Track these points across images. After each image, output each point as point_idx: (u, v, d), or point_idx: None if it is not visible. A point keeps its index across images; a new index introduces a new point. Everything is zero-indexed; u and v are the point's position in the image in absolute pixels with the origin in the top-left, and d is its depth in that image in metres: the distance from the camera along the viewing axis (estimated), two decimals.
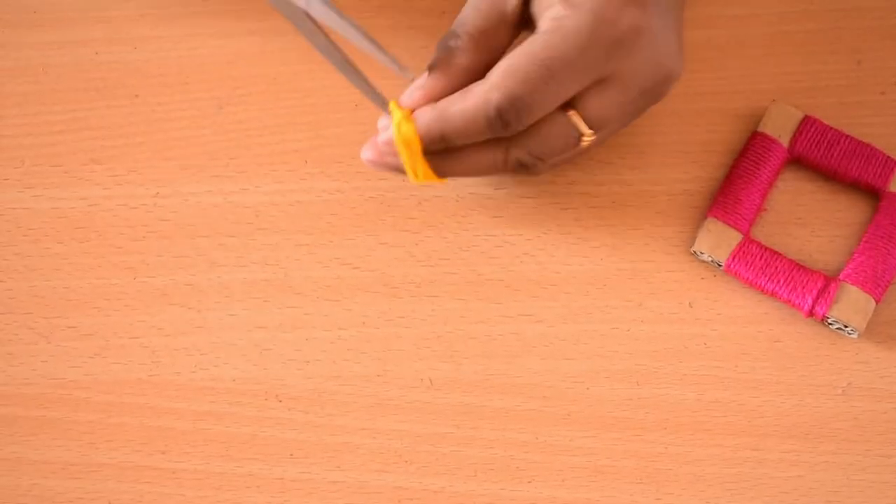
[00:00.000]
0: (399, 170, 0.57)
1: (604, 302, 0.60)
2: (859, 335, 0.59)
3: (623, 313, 0.60)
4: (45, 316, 0.61)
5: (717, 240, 0.60)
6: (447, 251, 0.61)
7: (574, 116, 0.55)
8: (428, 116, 0.55)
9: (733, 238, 0.60)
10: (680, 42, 0.56)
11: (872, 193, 0.61)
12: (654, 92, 0.56)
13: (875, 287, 0.59)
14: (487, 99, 0.54)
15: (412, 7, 0.65)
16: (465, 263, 0.61)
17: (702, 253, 0.60)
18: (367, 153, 0.58)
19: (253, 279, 0.61)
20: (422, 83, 0.56)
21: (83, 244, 0.62)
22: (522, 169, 0.57)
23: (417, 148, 0.56)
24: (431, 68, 0.56)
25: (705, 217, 0.61)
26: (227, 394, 0.60)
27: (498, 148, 0.56)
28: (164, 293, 0.61)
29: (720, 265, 0.60)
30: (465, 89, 0.55)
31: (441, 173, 0.57)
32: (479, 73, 0.56)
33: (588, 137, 0.56)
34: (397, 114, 0.56)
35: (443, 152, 0.56)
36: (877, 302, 0.59)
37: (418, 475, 0.58)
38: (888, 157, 0.61)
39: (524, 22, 0.57)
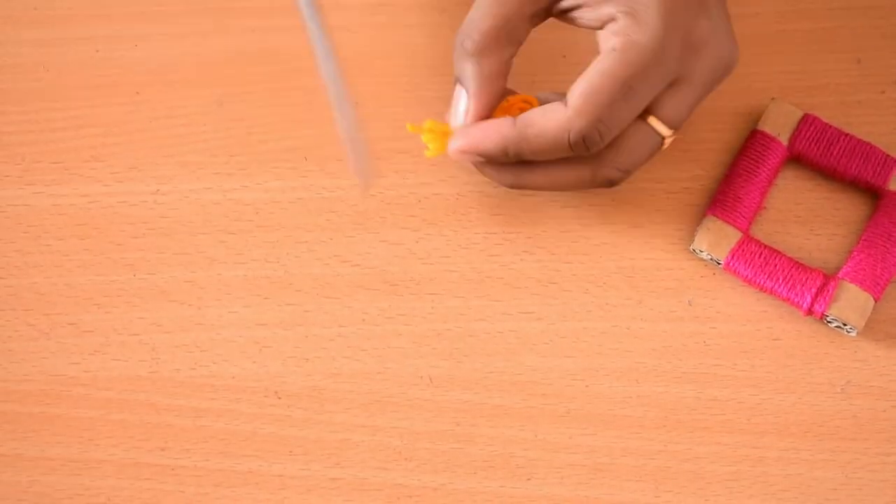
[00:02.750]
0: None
1: (603, 300, 0.60)
2: (858, 333, 0.59)
3: (622, 311, 0.60)
4: (46, 312, 0.61)
5: (717, 238, 0.60)
6: (447, 249, 0.61)
7: (654, 121, 0.56)
8: (508, 134, 0.55)
9: (732, 236, 0.60)
10: (731, 30, 0.57)
11: (872, 192, 0.61)
12: (719, 82, 0.57)
13: (874, 285, 0.59)
14: (570, 126, 0.54)
15: (410, 4, 0.65)
16: (465, 261, 0.61)
17: (701, 251, 0.60)
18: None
19: (253, 276, 0.61)
20: (461, 100, 0.57)
21: (83, 241, 0.62)
22: (609, 184, 0.57)
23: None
24: (463, 81, 0.56)
25: (704, 215, 0.61)
26: (227, 391, 0.60)
27: (585, 167, 0.57)
28: (163, 290, 0.61)
29: (719, 263, 0.60)
30: (544, 111, 0.55)
31: (523, 185, 0.58)
32: (505, 63, 0.56)
33: (670, 138, 0.57)
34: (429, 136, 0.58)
35: (528, 164, 0.57)
36: (876, 300, 0.59)
37: (417, 472, 0.58)
38: (887, 155, 0.61)
39: (546, 16, 0.57)
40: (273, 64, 0.65)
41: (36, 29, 0.65)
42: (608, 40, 0.54)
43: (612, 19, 0.54)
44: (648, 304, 0.60)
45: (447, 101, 0.63)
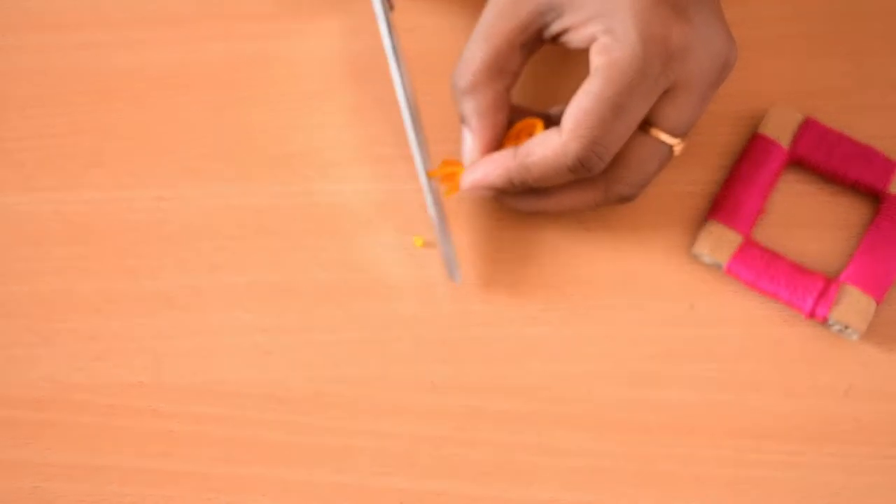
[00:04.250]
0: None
1: (605, 304, 0.60)
2: (860, 337, 0.59)
3: (624, 315, 0.60)
4: (47, 319, 0.61)
5: (718, 242, 0.60)
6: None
7: (657, 133, 0.56)
8: (510, 166, 0.56)
9: (734, 240, 0.60)
10: (724, 26, 0.57)
11: (873, 195, 0.61)
12: (718, 81, 0.57)
13: (876, 288, 0.59)
14: (566, 151, 0.55)
15: (411, 9, 0.65)
16: (467, 266, 0.61)
17: (703, 255, 0.60)
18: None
19: (255, 282, 0.61)
20: (466, 141, 0.58)
21: (85, 247, 0.62)
22: (623, 200, 0.58)
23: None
24: (465, 120, 0.58)
25: (706, 219, 0.61)
26: (229, 397, 0.60)
27: (596, 187, 0.58)
28: (165, 296, 0.61)
29: (721, 267, 0.60)
30: (542, 139, 0.56)
31: (540, 210, 0.59)
32: (501, 94, 0.57)
33: (678, 146, 0.57)
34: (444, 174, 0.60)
35: (541, 190, 0.58)
36: (877, 303, 0.59)
37: (420, 478, 0.58)
38: (888, 158, 0.61)
39: (540, 44, 0.57)
40: (274, 69, 0.65)
41: (37, 35, 0.65)
42: (594, 60, 0.55)
43: (594, 39, 0.55)
44: (650, 309, 0.60)
45: (447, 105, 0.63)
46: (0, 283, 0.62)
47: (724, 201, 0.61)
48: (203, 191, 0.63)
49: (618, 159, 0.57)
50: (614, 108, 0.54)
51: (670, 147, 0.57)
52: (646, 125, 0.56)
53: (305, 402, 0.59)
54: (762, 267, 0.59)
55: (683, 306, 0.60)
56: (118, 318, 0.61)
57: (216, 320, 0.61)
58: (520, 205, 0.59)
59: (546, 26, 0.56)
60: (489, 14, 0.56)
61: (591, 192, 0.58)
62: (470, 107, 0.57)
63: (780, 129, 0.61)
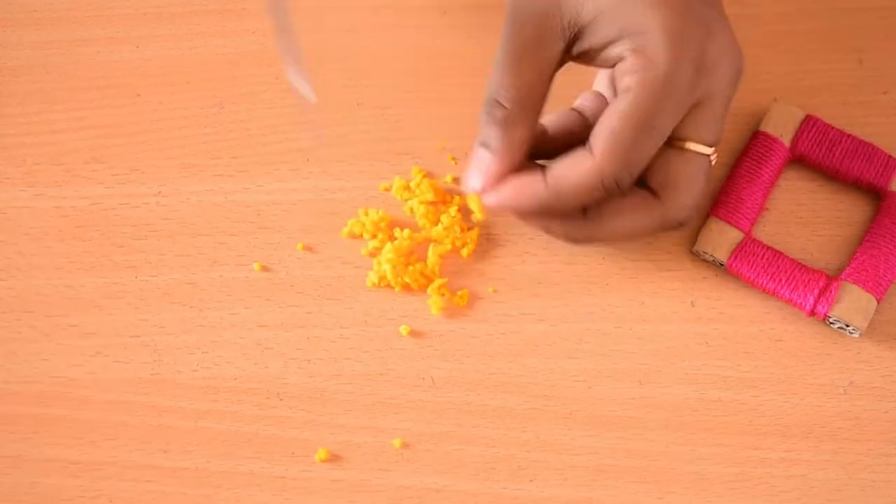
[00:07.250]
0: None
1: (606, 301, 0.60)
2: (861, 334, 0.59)
3: (625, 312, 0.60)
4: (47, 314, 0.61)
5: (719, 239, 0.60)
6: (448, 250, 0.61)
7: (695, 146, 0.56)
8: (542, 194, 0.55)
9: (735, 237, 0.60)
10: (734, 38, 0.56)
11: (874, 193, 0.61)
12: (736, 89, 0.57)
13: (877, 286, 0.59)
14: (602, 172, 0.54)
15: (412, 6, 0.65)
16: (467, 262, 0.61)
17: (703, 252, 0.60)
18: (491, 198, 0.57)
19: (254, 278, 0.61)
20: (487, 166, 0.56)
21: (85, 243, 0.62)
22: (680, 225, 0.58)
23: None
24: (491, 148, 0.56)
25: (707, 216, 0.61)
26: (229, 392, 0.60)
27: (651, 216, 0.57)
28: (165, 292, 0.61)
29: (722, 264, 0.60)
30: (572, 163, 0.55)
31: (591, 241, 0.58)
32: (533, 129, 0.56)
33: (714, 155, 0.57)
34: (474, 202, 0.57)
35: (592, 221, 0.57)
36: (878, 301, 0.59)
37: (419, 474, 0.58)
38: (890, 156, 0.61)
39: (562, 65, 0.57)
40: (273, 65, 0.65)
41: (37, 31, 0.65)
42: (621, 80, 0.54)
43: (621, 59, 0.54)
44: (651, 306, 0.60)
45: (447, 102, 0.63)
46: (0, 279, 0.62)
47: (725, 198, 0.61)
48: (203, 186, 0.63)
49: (667, 186, 0.56)
50: (647, 128, 0.54)
51: (709, 158, 0.57)
52: (680, 142, 0.56)
53: (304, 397, 0.59)
54: (763, 264, 0.59)
55: (684, 303, 0.60)
56: (118, 314, 0.61)
57: (216, 316, 0.61)
58: (571, 234, 0.58)
59: (570, 49, 0.56)
60: (515, 43, 0.55)
61: (646, 220, 0.57)
62: (499, 137, 0.55)
63: (782, 127, 0.61)
